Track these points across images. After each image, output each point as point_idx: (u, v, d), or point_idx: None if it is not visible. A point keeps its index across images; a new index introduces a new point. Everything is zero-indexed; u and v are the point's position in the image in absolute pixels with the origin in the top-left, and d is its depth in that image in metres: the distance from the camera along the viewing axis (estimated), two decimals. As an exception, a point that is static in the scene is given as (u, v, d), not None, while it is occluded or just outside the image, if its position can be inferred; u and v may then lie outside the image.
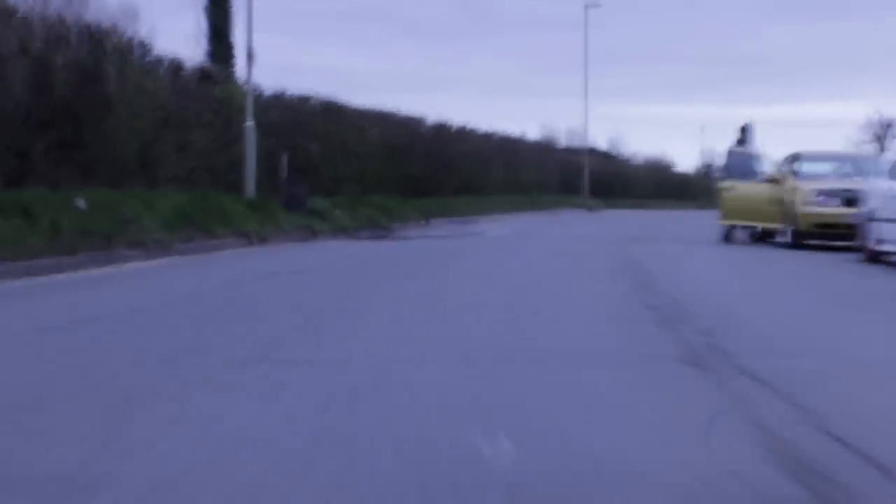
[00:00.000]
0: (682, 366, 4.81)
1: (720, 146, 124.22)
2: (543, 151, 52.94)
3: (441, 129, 35.02)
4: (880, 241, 13.12)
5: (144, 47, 16.25)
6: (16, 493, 2.78)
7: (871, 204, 13.66)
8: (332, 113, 25.43)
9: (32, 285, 8.69)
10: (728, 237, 18.42)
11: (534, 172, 46.12)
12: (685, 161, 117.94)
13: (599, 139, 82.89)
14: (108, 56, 14.55)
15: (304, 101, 24.17)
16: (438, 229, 21.77)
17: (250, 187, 18.05)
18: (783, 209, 17.21)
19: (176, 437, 3.40)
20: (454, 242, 16.44)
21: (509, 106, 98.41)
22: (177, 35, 38.82)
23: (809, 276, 12.05)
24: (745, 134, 20.33)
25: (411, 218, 23.67)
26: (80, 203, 10.77)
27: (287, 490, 2.80)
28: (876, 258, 13.30)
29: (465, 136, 37.50)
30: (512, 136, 47.01)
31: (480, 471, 2.96)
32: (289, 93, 23.02)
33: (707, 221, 23.12)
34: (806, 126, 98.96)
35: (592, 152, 62.65)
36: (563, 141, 61.34)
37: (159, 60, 16.64)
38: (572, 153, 54.31)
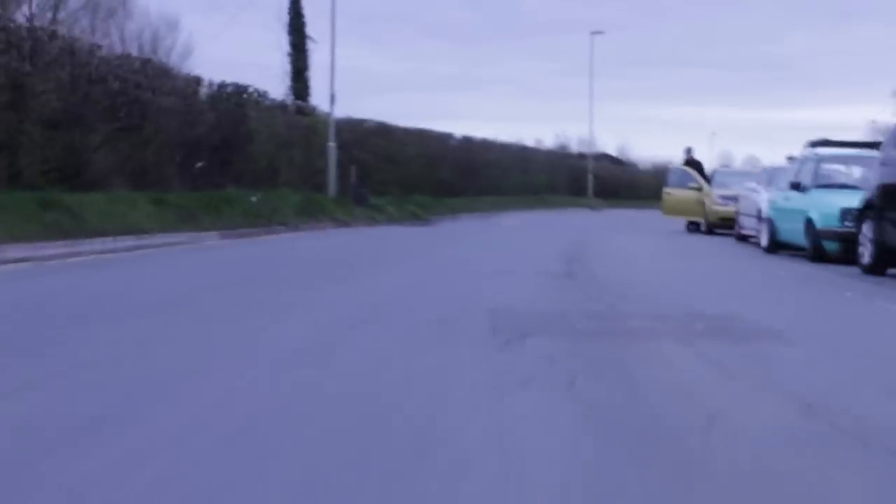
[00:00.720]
0: (560, 278, 12.45)
1: (738, 149, 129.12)
2: (555, 158, 60.78)
3: (467, 142, 42.90)
4: (741, 228, 20.76)
5: (264, 94, 24.12)
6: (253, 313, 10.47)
7: (740, 204, 21.30)
8: (381, 132, 33.26)
9: (236, 243, 16.38)
10: (688, 229, 25.78)
11: (546, 177, 53.88)
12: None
13: (610, 145, 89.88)
14: (246, 103, 22.42)
15: (361, 123, 31.95)
16: (463, 221, 29.44)
17: (332, 188, 25.88)
18: (702, 208, 24.89)
19: (317, 308, 11.10)
20: (472, 229, 24.12)
21: (530, 106, 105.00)
22: (264, 72, 46.90)
23: (697, 247, 19.57)
24: (689, 154, 28.00)
25: (443, 213, 31.35)
26: (254, 198, 18.61)
27: (383, 322, 10.49)
28: (742, 239, 20.89)
29: (486, 147, 45.37)
30: (527, 145, 54.93)
31: (474, 307, 10.62)
32: (352, 118, 30.78)
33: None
34: (826, 129, 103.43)
35: (603, 158, 70.57)
36: (574, 147, 69.10)
37: (273, 102, 24.50)
38: (582, 159, 61.86)
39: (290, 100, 29.46)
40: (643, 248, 17.68)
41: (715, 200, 24.29)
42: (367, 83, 79.10)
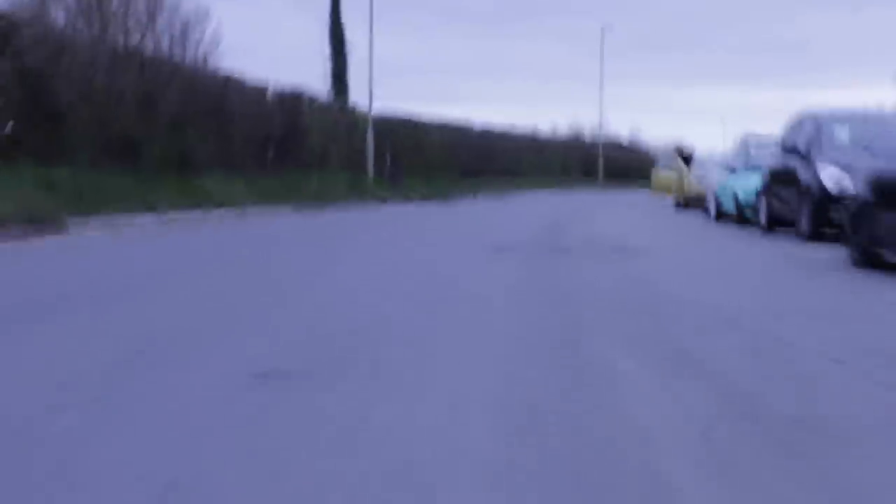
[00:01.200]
0: (542, 230, 17.44)
1: (752, 130, 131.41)
2: (569, 144, 65.72)
3: (486, 131, 47.91)
4: (707, 203, 25.69)
5: (315, 97, 29.18)
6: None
7: (706, 184, 26.20)
8: (409, 123, 38.28)
9: (305, 215, 21.39)
10: (675, 205, 30.71)
11: (559, 161, 58.85)
12: (706, 145, 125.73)
13: (623, 128, 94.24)
14: (303, 104, 27.51)
15: (392, 116, 36.95)
16: (482, 200, 34.41)
17: (370, 171, 30.93)
18: (681, 186, 29.82)
19: (360, 256, 16.14)
20: (488, 206, 29.11)
21: (547, 88, 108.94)
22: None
23: (661, 217, 24.48)
24: (680, 149, 32.96)
25: (464, 193, 36.31)
26: (315, 180, 23.70)
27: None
28: (707, 211, 25.77)
29: (504, 136, 50.35)
30: (542, 132, 59.78)
31: (485, 242, 15.62)
32: (384, 112, 35.78)
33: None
34: None
35: (614, 143, 75.40)
36: (587, 133, 73.92)
37: (322, 104, 29.57)
38: (593, 145, 66.72)
39: (332, 98, 34.57)
40: (621, 217, 22.61)
41: (690, 181, 29.19)
42: (386, 67, 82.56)
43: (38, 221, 11.38)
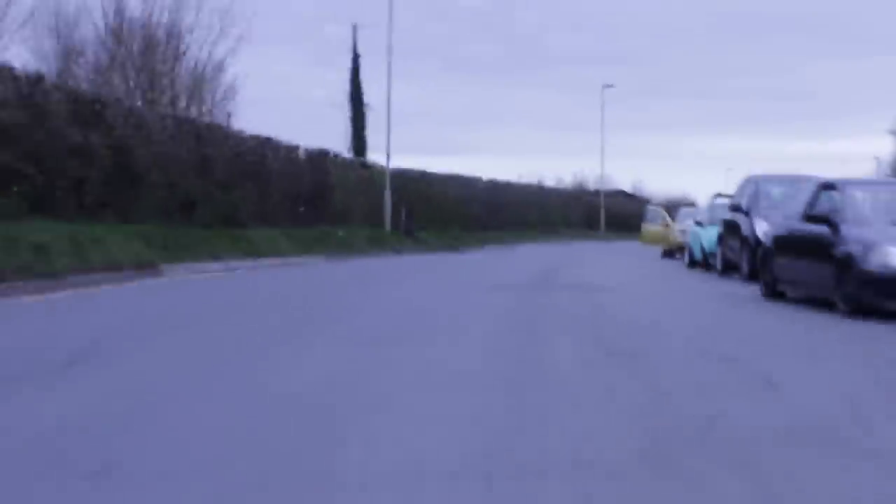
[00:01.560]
0: (536, 275, 20.75)
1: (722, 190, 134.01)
2: (572, 195, 69.24)
3: (493, 185, 51.43)
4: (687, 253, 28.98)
5: (339, 155, 32.66)
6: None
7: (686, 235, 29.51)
8: (422, 178, 41.77)
9: (336, 262, 24.71)
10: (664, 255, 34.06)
11: (562, 212, 62.32)
12: (710, 192, 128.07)
13: (626, 180, 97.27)
14: (329, 162, 30.99)
15: (406, 172, 40.44)
16: (488, 250, 37.77)
17: (388, 224, 34.34)
18: (666, 238, 33.17)
19: (387, 291, 19.47)
20: (493, 254, 32.43)
21: (549, 137, 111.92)
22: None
23: (645, 264, 27.77)
24: (661, 209, 36.31)
25: (472, 243, 39.70)
26: (341, 233, 27.09)
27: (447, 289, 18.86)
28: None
29: (509, 188, 53.87)
30: (546, 185, 63.34)
31: (486, 282, 18.93)
32: (399, 168, 39.27)
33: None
34: (846, 159, 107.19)
35: (617, 194, 78.97)
36: (590, 184, 77.50)
37: (345, 161, 33.06)
38: (596, 196, 70.22)
39: (352, 153, 38.13)
40: (608, 264, 25.91)
41: (674, 232, 32.53)
42: (392, 116, 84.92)
43: (142, 266, 14.72)
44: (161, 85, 28.80)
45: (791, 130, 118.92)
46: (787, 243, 12.50)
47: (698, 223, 23.54)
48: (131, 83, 27.32)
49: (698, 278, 18.85)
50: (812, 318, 10.35)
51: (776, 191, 17.41)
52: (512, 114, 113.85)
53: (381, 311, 10.84)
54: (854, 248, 10.26)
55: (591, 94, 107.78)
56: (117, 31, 27.69)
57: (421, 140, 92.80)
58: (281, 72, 70.94)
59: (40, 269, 12.10)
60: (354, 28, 40.80)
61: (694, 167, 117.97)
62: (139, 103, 26.43)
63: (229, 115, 32.32)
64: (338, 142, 39.18)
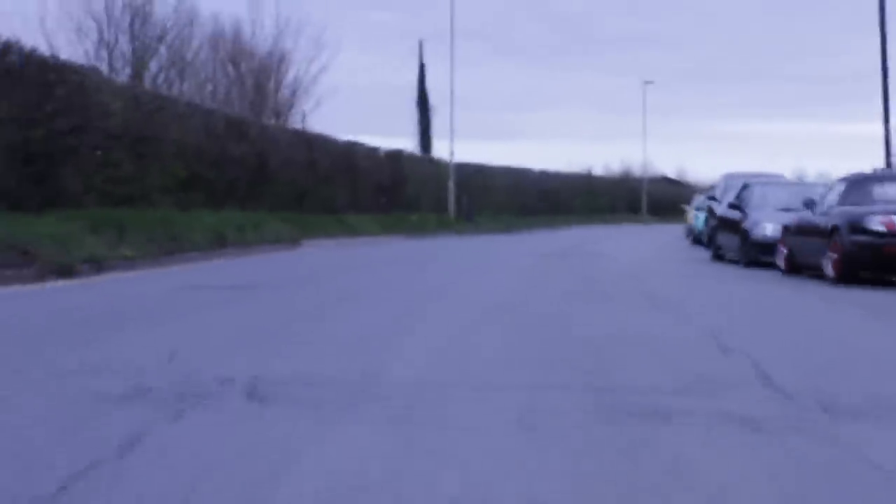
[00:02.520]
0: (567, 249, 27.13)
1: (813, 163, 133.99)
2: (618, 182, 75.35)
3: (544, 174, 57.77)
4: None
5: (412, 153, 39.23)
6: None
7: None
8: (481, 171, 48.27)
9: (412, 240, 31.22)
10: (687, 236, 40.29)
11: (607, 198, 68.52)
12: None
13: (670, 165, 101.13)
14: (403, 160, 37.62)
15: (467, 165, 46.91)
16: (536, 232, 44.11)
17: (451, 210, 40.87)
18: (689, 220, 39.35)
19: (456, 259, 25.97)
20: (541, 236, 38.80)
21: (598, 121, 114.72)
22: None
23: (665, 242, 33.93)
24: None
25: (523, 227, 46.07)
26: (414, 217, 33.66)
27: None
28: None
29: (558, 178, 60.19)
30: (593, 173, 69.56)
31: (533, 252, 25.39)
32: (460, 161, 45.70)
33: (674, 227, 45.08)
34: None
35: (660, 179, 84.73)
36: (636, 171, 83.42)
37: (416, 155, 39.64)
38: (639, 182, 76.20)
39: (419, 150, 44.74)
40: (627, 242, 32.18)
41: (690, 215, 38.69)
42: (442, 100, 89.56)
43: (288, 240, 21.36)
44: (267, 99, 35.57)
45: (841, 113, 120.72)
46: (723, 222, 18.87)
47: (698, 208, 29.78)
48: (246, 101, 34.08)
49: (688, 251, 25.15)
50: (727, 268, 16.70)
51: (734, 186, 23.65)
52: (562, 97, 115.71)
53: (457, 262, 17.40)
54: (748, 225, 16.61)
55: (638, 76, 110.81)
56: (235, 58, 34.50)
57: (472, 125, 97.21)
58: (354, 72, 77.62)
59: (235, 241, 18.77)
60: (420, 44, 47.41)
61: (739, 151, 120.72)
62: (246, 115, 33.23)
63: (303, 117, 38.91)
64: (406, 139, 45.88)
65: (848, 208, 12.69)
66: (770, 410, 4.54)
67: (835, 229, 12.46)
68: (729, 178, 24.42)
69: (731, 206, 18.16)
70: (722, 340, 6.98)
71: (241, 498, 3.17)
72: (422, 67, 47.37)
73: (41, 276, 11.10)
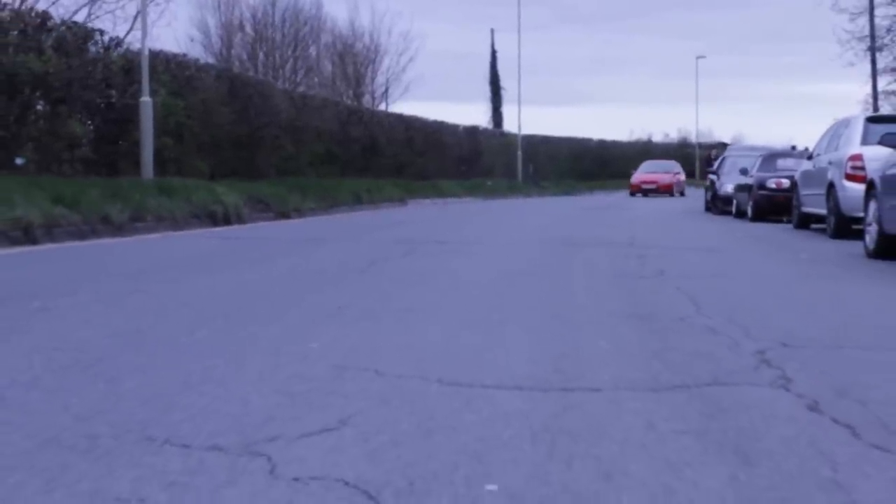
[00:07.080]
0: (611, 204, 34.71)
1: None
2: (676, 148, 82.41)
3: (602, 143, 65.25)
4: (724, 192, 42.58)
5: (486, 128, 47.02)
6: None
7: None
8: (545, 140, 55.89)
9: (486, 201, 38.98)
10: None
11: (663, 163, 75.69)
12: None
13: (729, 130, 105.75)
14: (478, 134, 45.43)
15: (533, 136, 54.53)
16: (594, 195, 51.59)
17: (519, 176, 48.59)
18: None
19: (524, 213, 33.72)
20: (594, 198, 46.29)
21: (659, 86, 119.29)
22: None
23: (686, 205, 41.26)
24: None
25: (583, 190, 53.58)
26: (489, 183, 41.49)
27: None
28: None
29: (615, 146, 67.61)
30: (650, 139, 76.80)
31: (584, 206, 33.06)
32: (527, 134, 53.32)
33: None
34: None
35: (717, 145, 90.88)
36: (693, 137, 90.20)
37: (489, 130, 47.47)
38: (692, 147, 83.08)
39: (492, 126, 52.48)
40: (664, 202, 39.56)
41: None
42: (510, 69, 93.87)
43: (398, 200, 29.45)
44: (365, 87, 43.60)
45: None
46: (710, 184, 26.46)
47: (714, 172, 37.16)
48: (350, 90, 42.13)
49: (700, 209, 32.69)
50: (705, 216, 24.28)
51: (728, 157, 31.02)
52: (623, 62, 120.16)
53: (520, 212, 25.25)
54: (717, 185, 24.19)
55: (697, 40, 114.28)
56: (342, 53, 42.54)
57: (537, 91, 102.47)
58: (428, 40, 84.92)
59: (366, 200, 26.81)
60: (492, 32, 55.04)
61: (802, 114, 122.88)
62: (349, 102, 41.24)
63: (384, 101, 46.76)
64: (482, 116, 53.66)
65: (759, 174, 20.25)
66: (624, 246, 12.36)
67: (751, 187, 20.08)
68: (731, 150, 31.79)
69: (712, 172, 25.73)
70: (638, 238, 14.75)
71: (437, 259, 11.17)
72: (493, 54, 55.03)
73: (277, 217, 19.22)
